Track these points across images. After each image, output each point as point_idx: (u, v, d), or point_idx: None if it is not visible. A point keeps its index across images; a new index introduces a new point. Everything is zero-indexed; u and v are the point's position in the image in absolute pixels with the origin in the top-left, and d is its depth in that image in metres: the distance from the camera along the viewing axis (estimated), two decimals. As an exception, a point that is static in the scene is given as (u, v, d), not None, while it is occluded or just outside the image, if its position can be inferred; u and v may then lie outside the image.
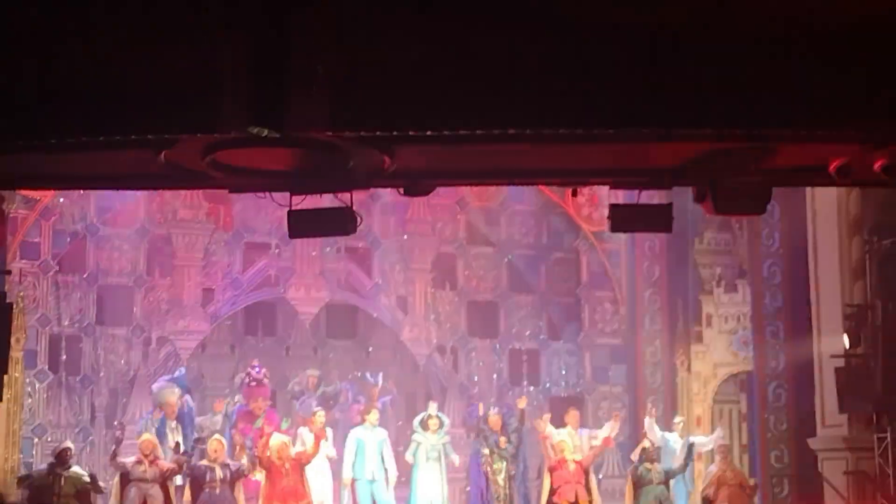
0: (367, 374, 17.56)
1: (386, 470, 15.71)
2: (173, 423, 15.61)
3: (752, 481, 15.95)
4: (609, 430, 16.14)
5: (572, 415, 16.39)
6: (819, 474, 15.83)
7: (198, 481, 14.19)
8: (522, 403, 16.31)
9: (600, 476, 16.86)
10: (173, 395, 15.83)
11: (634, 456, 15.91)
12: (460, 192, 18.34)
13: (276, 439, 14.60)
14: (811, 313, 16.27)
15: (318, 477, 15.18)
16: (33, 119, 7.26)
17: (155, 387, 16.38)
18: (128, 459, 14.31)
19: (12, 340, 14.25)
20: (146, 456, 14.18)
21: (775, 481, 16.68)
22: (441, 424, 16.20)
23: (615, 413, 17.19)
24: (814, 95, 7.18)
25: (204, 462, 14.29)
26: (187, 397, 16.25)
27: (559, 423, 16.32)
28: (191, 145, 7.89)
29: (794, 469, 16.62)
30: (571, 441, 15.75)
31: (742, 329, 18.05)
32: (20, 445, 16.01)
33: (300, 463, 14.48)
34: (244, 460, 14.59)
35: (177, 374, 16.90)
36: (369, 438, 15.73)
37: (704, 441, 16.51)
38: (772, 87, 7.13)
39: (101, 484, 14.48)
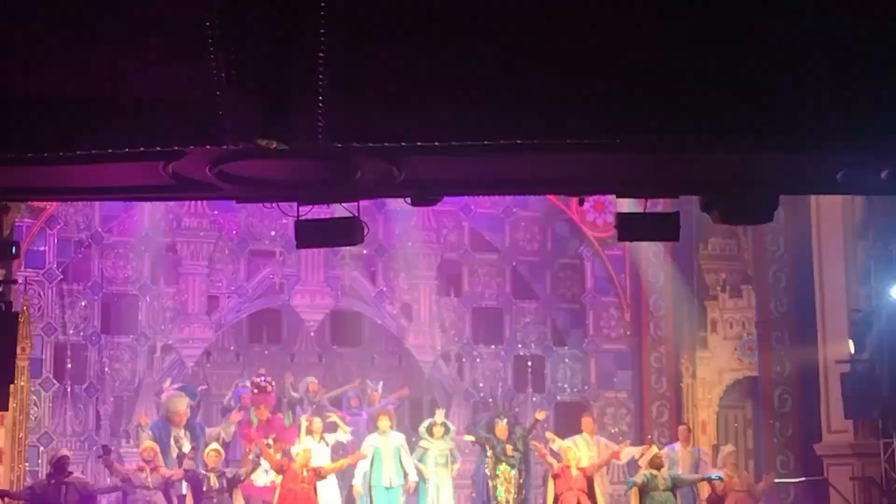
0: (368, 382, 17.54)
1: (406, 475, 15.68)
2: (182, 432, 15.59)
3: (762, 483, 15.82)
4: (638, 452, 16.05)
5: (586, 422, 16.38)
6: (825, 480, 15.82)
7: (197, 489, 14.23)
8: (541, 416, 16.24)
9: (608, 479, 16.84)
10: (182, 404, 15.82)
11: (642, 461, 15.88)
12: (464, 198, 18.33)
13: (302, 445, 14.68)
14: (816, 318, 16.28)
15: (327, 486, 15.16)
16: (41, 131, 7.27)
17: (164, 395, 16.39)
18: (129, 467, 14.34)
19: (17, 349, 14.27)
20: (147, 463, 14.22)
21: (781, 487, 16.65)
22: (447, 431, 16.19)
23: (652, 443, 16.94)
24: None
25: (201, 471, 14.33)
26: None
27: (573, 430, 16.29)
28: (198, 157, 7.90)
29: (799, 475, 16.59)
30: (587, 448, 15.74)
31: (747, 335, 18.03)
32: (26, 454, 16.00)
33: (318, 474, 14.54)
34: (242, 468, 14.58)
35: (186, 382, 16.94)
36: (385, 445, 15.67)
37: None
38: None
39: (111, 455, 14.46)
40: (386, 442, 15.67)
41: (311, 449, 14.85)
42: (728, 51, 7.04)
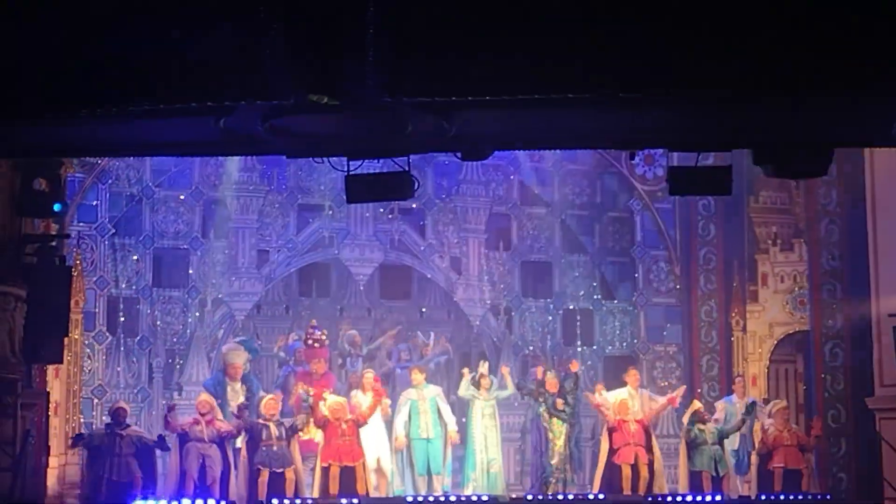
0: (419, 333, 17.61)
1: (445, 426, 15.79)
2: (238, 385, 15.72)
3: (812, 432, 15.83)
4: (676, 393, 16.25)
5: (632, 374, 16.40)
6: (877, 433, 15.75)
7: (254, 439, 14.33)
8: (575, 367, 16.34)
9: (656, 432, 16.87)
10: (240, 358, 15.96)
11: (685, 418, 15.90)
12: (514, 152, 18.25)
13: (332, 399, 14.74)
14: (869, 272, 16.14)
15: (374, 437, 15.30)
16: (93, 88, 7.29)
17: (225, 348, 16.56)
18: (184, 419, 14.47)
19: (72, 303, 14.44)
20: (203, 415, 14.32)
21: (832, 441, 16.60)
22: (492, 384, 16.26)
23: (682, 386, 17.10)
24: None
25: (259, 420, 14.42)
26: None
27: (620, 383, 16.34)
28: (249, 112, 7.91)
29: (851, 428, 16.53)
30: (631, 402, 15.78)
31: (798, 288, 17.92)
32: (80, 406, 16.23)
33: (357, 423, 14.63)
34: (299, 418, 14.66)
35: (245, 336, 17.11)
36: (421, 397, 15.82)
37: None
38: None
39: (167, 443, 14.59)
40: (422, 394, 15.79)
41: (342, 402, 14.84)
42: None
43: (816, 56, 7.25)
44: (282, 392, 15.98)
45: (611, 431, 15.52)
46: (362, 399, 15.11)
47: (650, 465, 15.47)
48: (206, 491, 14.01)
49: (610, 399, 15.76)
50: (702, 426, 15.55)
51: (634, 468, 15.35)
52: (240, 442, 14.70)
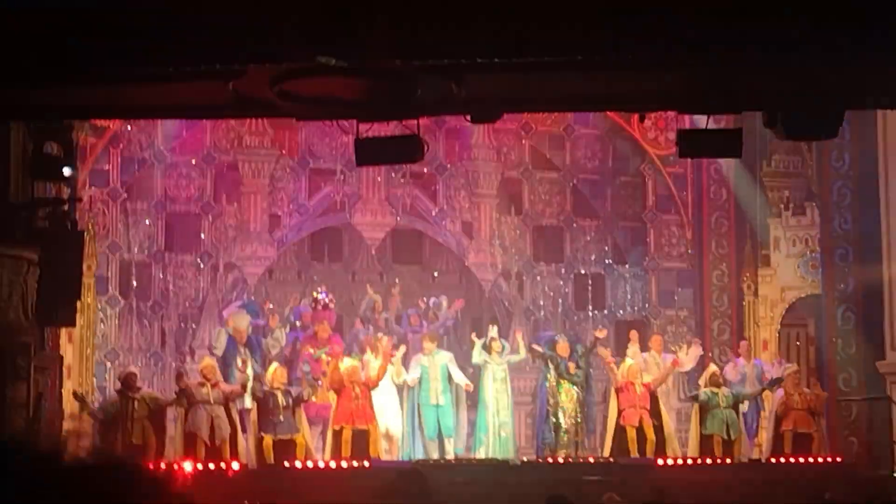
0: (433, 299, 17.66)
1: (455, 389, 15.89)
2: (243, 349, 15.83)
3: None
4: (690, 354, 16.30)
5: (655, 339, 16.55)
6: (888, 397, 15.77)
7: (263, 407, 14.49)
8: (602, 334, 16.38)
9: (679, 396, 16.96)
10: (243, 321, 16.05)
11: (702, 381, 15.96)
12: (525, 116, 18.21)
13: (347, 363, 14.84)
14: (881, 236, 16.11)
15: (385, 401, 15.39)
16: (104, 52, 7.31)
17: (225, 312, 16.61)
18: (191, 381, 14.62)
19: (84, 267, 14.49)
20: (208, 379, 14.48)
21: (843, 405, 16.61)
22: (503, 348, 16.32)
23: (696, 340, 17.19)
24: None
25: (266, 388, 14.56)
26: (255, 322, 16.47)
27: (641, 347, 16.46)
28: (259, 75, 7.92)
29: (862, 392, 16.54)
30: (656, 366, 15.90)
31: (810, 252, 17.88)
32: (94, 370, 16.31)
33: (368, 386, 14.73)
34: (305, 390, 14.81)
35: (246, 299, 17.15)
36: (432, 363, 15.89)
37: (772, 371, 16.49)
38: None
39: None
40: (433, 361, 15.87)
41: (357, 365, 14.95)
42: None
43: (825, 18, 7.23)
44: (289, 358, 16.08)
45: (618, 392, 15.65)
46: (373, 362, 15.19)
47: (657, 428, 15.54)
48: (216, 453, 14.15)
49: (626, 364, 15.87)
50: (715, 389, 15.61)
51: (640, 431, 15.43)
52: (249, 402, 14.83)
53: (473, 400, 16.28)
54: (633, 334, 16.88)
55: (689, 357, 16.53)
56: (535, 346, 16.54)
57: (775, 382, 15.95)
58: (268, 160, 18.13)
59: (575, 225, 19.14)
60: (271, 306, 17.31)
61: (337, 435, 14.73)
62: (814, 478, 14.87)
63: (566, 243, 19.13)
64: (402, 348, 15.89)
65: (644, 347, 16.61)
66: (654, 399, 15.72)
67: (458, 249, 18.71)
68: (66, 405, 14.59)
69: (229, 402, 14.58)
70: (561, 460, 15.47)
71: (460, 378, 16.02)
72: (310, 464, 14.46)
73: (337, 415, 14.76)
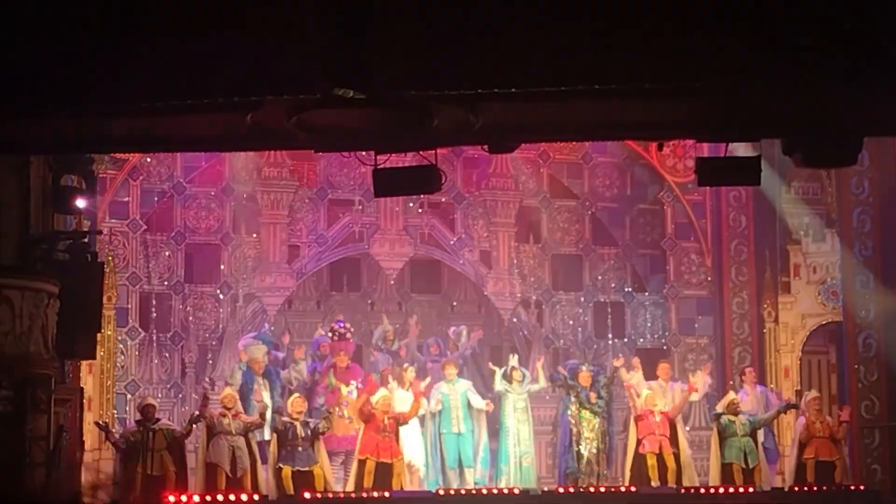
0: (453, 328, 17.61)
1: (475, 417, 15.86)
2: (261, 380, 15.84)
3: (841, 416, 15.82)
4: (699, 380, 16.23)
5: (662, 368, 16.45)
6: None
7: (283, 439, 14.48)
8: (619, 363, 16.32)
9: (687, 428, 16.83)
10: (259, 352, 16.07)
11: (720, 407, 15.89)
12: (542, 145, 18.22)
13: (380, 394, 14.85)
14: (902, 262, 16.06)
15: (409, 433, 15.38)
16: (123, 85, 7.35)
17: (241, 344, 16.62)
18: (213, 412, 14.65)
19: (104, 299, 14.52)
20: (229, 409, 14.49)
21: (866, 432, 16.51)
22: (523, 377, 16.29)
23: (704, 365, 17.18)
24: None
25: (286, 419, 14.55)
26: (275, 353, 16.49)
27: (650, 375, 16.35)
28: (276, 107, 7.95)
29: (884, 419, 16.44)
30: (662, 395, 15.80)
31: (830, 279, 17.82)
32: (114, 402, 16.34)
33: (398, 421, 14.74)
34: (322, 422, 14.80)
35: (262, 330, 17.16)
36: (452, 391, 15.89)
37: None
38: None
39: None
40: (453, 388, 15.87)
41: (392, 396, 15.02)
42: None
43: (844, 46, 7.23)
44: (308, 388, 16.08)
45: (637, 420, 15.60)
46: (398, 392, 15.20)
47: (676, 457, 15.48)
48: (237, 484, 14.14)
49: (642, 388, 15.81)
50: (733, 417, 15.54)
51: (659, 458, 15.37)
52: (268, 434, 14.82)
53: (494, 429, 16.23)
54: (636, 361, 16.73)
55: (700, 382, 16.43)
56: (560, 369, 16.49)
57: (791, 406, 15.89)
58: (286, 191, 18.19)
59: (594, 253, 19.12)
60: (289, 337, 17.31)
61: (361, 465, 14.72)
62: (837, 506, 14.78)
63: (585, 271, 19.11)
64: (428, 380, 15.88)
65: (651, 376, 16.50)
66: (672, 427, 15.65)
67: (476, 278, 18.70)
68: (86, 437, 14.60)
69: (249, 433, 14.57)
70: (583, 489, 15.38)
71: (479, 403, 16.00)
72: (330, 495, 14.41)
73: (363, 445, 14.77)
